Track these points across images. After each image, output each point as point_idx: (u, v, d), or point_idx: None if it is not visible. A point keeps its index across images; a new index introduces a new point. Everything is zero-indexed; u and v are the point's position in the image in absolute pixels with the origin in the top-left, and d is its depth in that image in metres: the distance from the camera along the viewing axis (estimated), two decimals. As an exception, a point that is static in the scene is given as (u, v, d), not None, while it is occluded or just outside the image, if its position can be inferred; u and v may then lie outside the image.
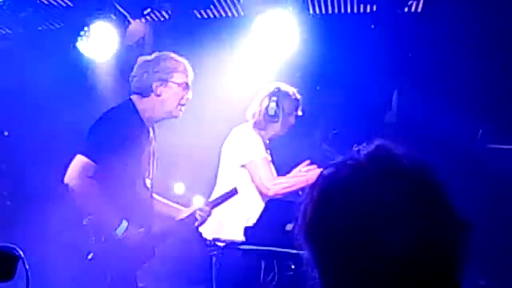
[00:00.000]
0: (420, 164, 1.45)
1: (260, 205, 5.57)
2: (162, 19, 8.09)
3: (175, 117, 5.00)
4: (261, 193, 5.59)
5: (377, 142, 1.48)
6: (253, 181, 5.58)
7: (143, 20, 7.70)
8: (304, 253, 1.50)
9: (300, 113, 5.82)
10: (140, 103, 4.94)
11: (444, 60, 7.06)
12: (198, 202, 5.34)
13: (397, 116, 7.37)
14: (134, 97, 4.97)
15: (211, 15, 7.74)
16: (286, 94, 5.75)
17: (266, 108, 5.68)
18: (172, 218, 5.27)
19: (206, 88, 7.47)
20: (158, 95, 4.92)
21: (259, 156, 5.57)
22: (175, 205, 5.39)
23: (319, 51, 7.22)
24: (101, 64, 7.42)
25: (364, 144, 1.50)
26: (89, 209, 4.68)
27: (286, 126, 5.78)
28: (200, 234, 5.52)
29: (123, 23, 7.43)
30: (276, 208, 5.10)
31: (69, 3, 7.59)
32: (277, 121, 5.70)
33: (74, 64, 7.43)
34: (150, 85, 4.93)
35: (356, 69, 7.24)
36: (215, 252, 5.47)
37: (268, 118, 5.68)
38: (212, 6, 7.39)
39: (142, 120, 4.93)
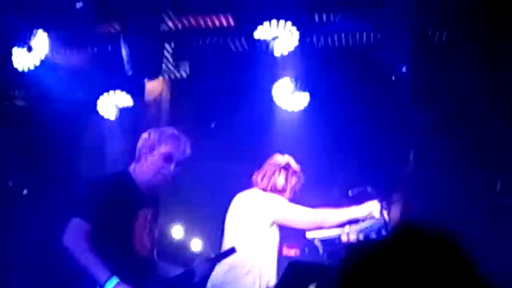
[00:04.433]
0: (446, 242, 1.47)
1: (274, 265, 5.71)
2: (179, 77, 8.21)
3: (155, 185, 5.18)
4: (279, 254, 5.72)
5: (405, 220, 1.51)
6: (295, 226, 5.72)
7: (161, 78, 7.82)
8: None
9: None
10: (135, 169, 5.17)
11: (462, 112, 7.08)
12: (197, 247, 5.45)
13: (414, 171, 7.38)
14: (132, 165, 5.18)
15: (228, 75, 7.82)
16: (295, 171, 5.91)
17: (275, 181, 5.80)
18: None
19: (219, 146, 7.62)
20: (145, 161, 5.11)
21: (284, 206, 5.74)
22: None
23: (335, 106, 7.32)
24: (116, 121, 7.57)
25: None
26: (83, 264, 4.82)
27: (291, 197, 5.92)
28: None
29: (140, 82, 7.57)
30: (297, 269, 5.11)
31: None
32: (283, 194, 5.85)
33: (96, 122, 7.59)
34: (141, 151, 5.14)
35: (372, 126, 7.29)
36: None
37: (276, 190, 5.84)
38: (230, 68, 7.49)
39: (135, 186, 5.11)
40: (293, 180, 5.93)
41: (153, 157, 5.13)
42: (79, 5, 6.04)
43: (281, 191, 5.87)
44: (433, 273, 1.40)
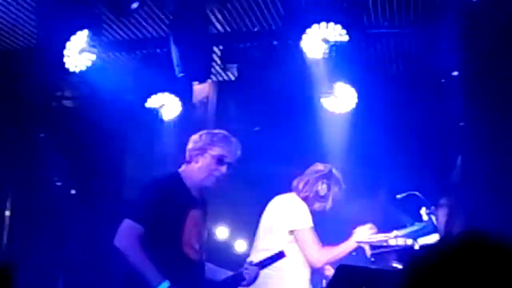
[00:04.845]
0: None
1: (305, 271, 5.73)
2: (226, 79, 8.27)
3: (206, 186, 5.19)
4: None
5: (468, 230, 1.49)
6: (300, 249, 5.69)
7: (209, 80, 7.86)
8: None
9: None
10: (185, 171, 5.19)
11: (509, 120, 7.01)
12: (241, 248, 5.48)
13: (462, 177, 7.31)
14: (182, 166, 5.21)
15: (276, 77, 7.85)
16: (337, 180, 5.91)
17: (318, 189, 5.83)
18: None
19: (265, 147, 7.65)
20: (196, 163, 5.14)
21: (308, 225, 5.71)
22: (228, 272, 5.50)
23: (382, 109, 7.30)
24: (168, 123, 7.63)
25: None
26: (136, 267, 4.85)
27: (331, 205, 5.93)
28: None
29: (188, 84, 7.61)
30: (346, 272, 5.10)
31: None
32: (325, 202, 5.85)
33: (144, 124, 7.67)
34: (192, 154, 5.16)
35: (420, 130, 7.26)
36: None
37: (318, 198, 5.84)
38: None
39: (186, 188, 5.14)
40: (335, 189, 5.93)
41: (205, 159, 5.16)
42: (134, 5, 6.09)
43: (323, 199, 5.88)
44: (501, 284, 1.39)
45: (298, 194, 5.87)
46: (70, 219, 7.90)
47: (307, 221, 5.72)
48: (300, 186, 5.91)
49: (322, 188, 5.87)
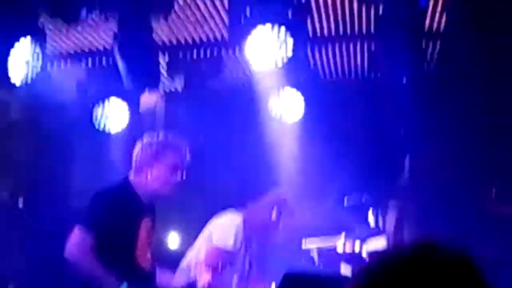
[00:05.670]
0: (462, 259, 1.48)
1: None
2: (173, 90, 8.26)
3: (162, 195, 5.13)
4: None
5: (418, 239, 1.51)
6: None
7: (156, 91, 7.83)
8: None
9: None
10: (135, 179, 5.08)
11: (455, 121, 7.12)
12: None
13: (410, 178, 7.42)
14: (131, 173, 5.12)
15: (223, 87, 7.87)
16: (290, 208, 5.92)
17: (267, 216, 5.84)
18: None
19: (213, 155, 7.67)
20: (149, 172, 5.06)
21: (218, 244, 5.66)
22: (179, 277, 5.48)
23: (330, 115, 7.36)
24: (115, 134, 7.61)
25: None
26: (91, 276, 4.79)
27: (283, 233, 5.95)
28: None
29: (136, 94, 7.59)
30: (293, 281, 5.08)
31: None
32: (275, 230, 5.87)
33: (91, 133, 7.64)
34: (143, 162, 5.07)
35: (368, 133, 7.34)
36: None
37: (268, 226, 5.85)
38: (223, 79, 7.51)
39: (138, 196, 5.07)
40: (287, 217, 5.94)
41: (158, 168, 5.05)
42: (83, 15, 6.06)
43: (273, 227, 5.89)
44: None
45: (248, 217, 5.85)
46: (18, 231, 7.80)
47: (222, 240, 5.67)
48: (252, 211, 5.91)
49: (272, 216, 5.87)
